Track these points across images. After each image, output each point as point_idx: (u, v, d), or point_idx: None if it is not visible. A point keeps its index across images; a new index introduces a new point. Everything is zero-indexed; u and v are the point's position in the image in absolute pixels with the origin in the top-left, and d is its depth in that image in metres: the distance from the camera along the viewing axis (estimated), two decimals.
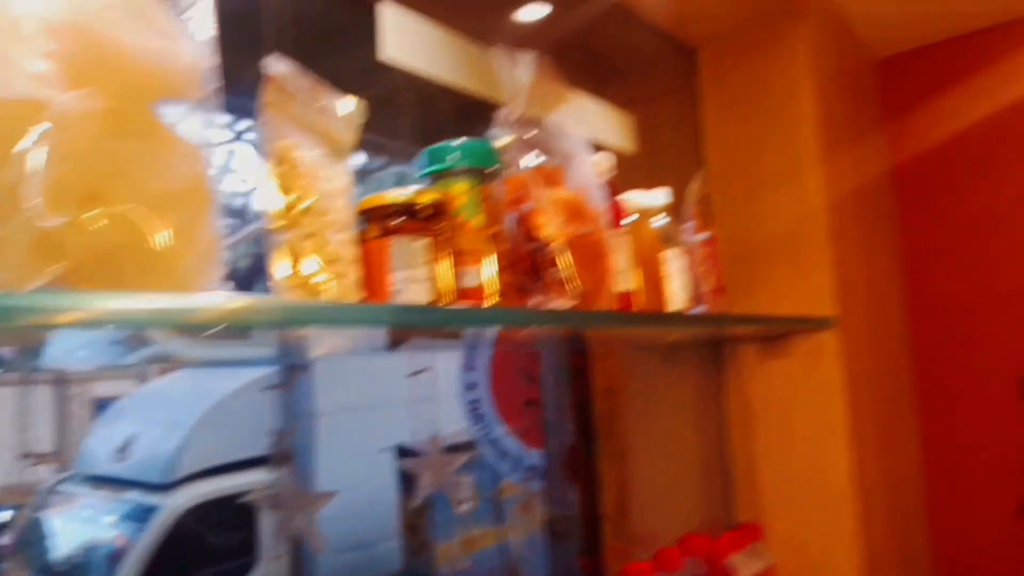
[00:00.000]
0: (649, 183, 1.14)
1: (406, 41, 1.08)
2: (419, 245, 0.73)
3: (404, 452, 2.14)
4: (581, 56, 1.44)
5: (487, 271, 0.80)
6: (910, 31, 1.63)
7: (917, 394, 1.72)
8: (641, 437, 1.51)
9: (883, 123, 1.72)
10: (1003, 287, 1.64)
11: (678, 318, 1.07)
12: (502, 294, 0.80)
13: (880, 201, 1.66)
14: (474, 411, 1.83)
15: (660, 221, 1.13)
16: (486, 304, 0.79)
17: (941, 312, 1.70)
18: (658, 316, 1.03)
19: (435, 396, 1.23)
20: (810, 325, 1.28)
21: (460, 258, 0.78)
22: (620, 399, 1.56)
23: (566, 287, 0.83)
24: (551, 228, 0.84)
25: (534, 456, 1.82)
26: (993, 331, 1.65)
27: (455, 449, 1.10)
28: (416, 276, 0.72)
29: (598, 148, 1.09)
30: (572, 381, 1.66)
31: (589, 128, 1.39)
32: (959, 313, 1.68)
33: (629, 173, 1.42)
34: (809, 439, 1.31)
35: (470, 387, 1.84)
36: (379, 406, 2.66)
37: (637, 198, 1.11)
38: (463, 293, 0.78)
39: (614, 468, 1.52)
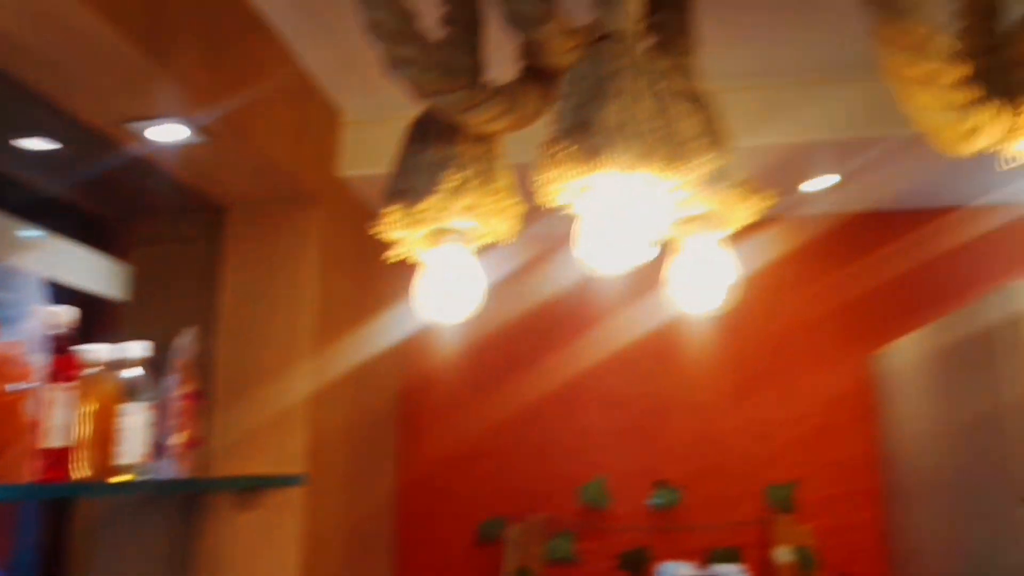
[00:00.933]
0: (157, 332, 1.16)
1: None
2: None
3: None
4: (91, 199, 1.43)
5: None
6: None
7: (397, 539, 1.94)
8: None
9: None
10: (468, 452, 1.97)
11: (100, 487, 1.06)
12: None
13: (379, 372, 1.88)
14: None
15: (129, 374, 1.15)
16: None
17: (423, 472, 1.98)
18: (71, 486, 1.01)
19: None
20: (280, 482, 1.38)
21: None
22: (95, 544, 1.47)
23: None
24: None
25: None
26: (457, 488, 1.96)
27: None
28: None
29: (76, 296, 1.09)
30: (47, 528, 1.52)
31: (66, 275, 1.37)
32: (436, 474, 1.97)
33: (133, 320, 1.42)
34: None
35: None
36: None
37: (103, 350, 1.12)
38: None
39: None
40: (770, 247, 1.94)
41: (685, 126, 0.63)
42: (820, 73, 1.45)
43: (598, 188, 0.63)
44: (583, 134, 0.61)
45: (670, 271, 0.76)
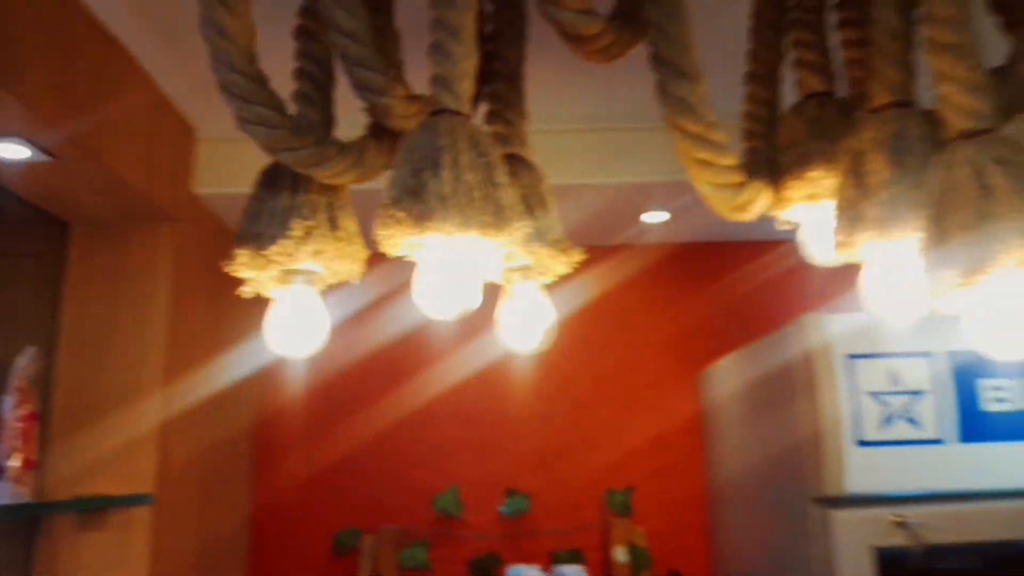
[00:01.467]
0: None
1: None
2: None
3: None
4: None
5: None
6: None
7: (253, 556, 1.95)
8: None
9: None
10: (326, 469, 2.00)
11: None
12: None
13: (237, 393, 1.88)
14: None
15: None
16: None
17: (281, 490, 1.99)
18: None
19: None
20: (127, 502, 1.37)
21: None
22: None
23: None
24: None
25: None
26: (315, 504, 1.99)
27: None
28: None
29: None
30: None
31: None
32: (294, 492, 1.99)
33: None
34: None
35: None
36: None
37: None
38: None
39: None
40: (614, 272, 2.11)
41: (506, 194, 0.72)
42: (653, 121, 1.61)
43: (429, 246, 0.71)
44: (415, 200, 0.68)
45: (499, 313, 0.85)
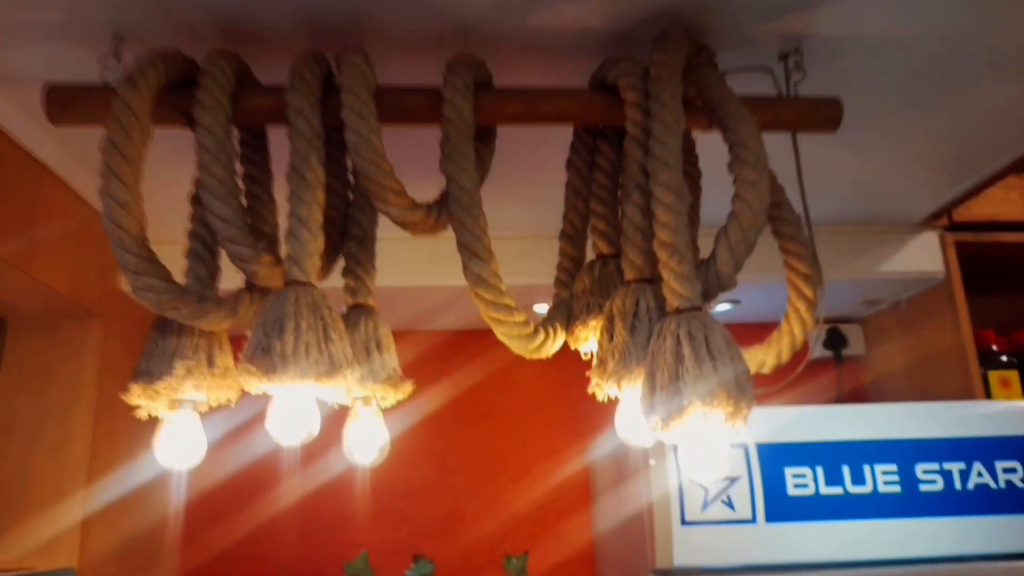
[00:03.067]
0: None
1: None
2: None
3: None
4: None
5: None
6: None
7: None
8: None
9: None
10: (245, 542, 2.17)
11: None
12: None
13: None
14: None
15: None
16: None
17: (207, 563, 2.16)
18: None
19: None
20: None
21: None
22: None
23: None
24: None
25: None
26: (234, 567, 2.15)
27: None
28: None
29: None
30: None
31: None
32: (218, 564, 2.16)
33: None
34: None
35: None
36: None
37: None
38: None
39: None
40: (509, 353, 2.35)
41: (339, 348, 0.95)
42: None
43: (278, 390, 0.93)
44: (264, 356, 0.91)
45: (344, 431, 1.07)
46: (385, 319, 1.13)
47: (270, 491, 2.24)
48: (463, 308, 2.13)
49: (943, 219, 2.08)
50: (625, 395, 1.00)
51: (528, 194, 1.73)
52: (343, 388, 0.96)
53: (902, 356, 2.29)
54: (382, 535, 2.24)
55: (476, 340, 2.40)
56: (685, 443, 0.91)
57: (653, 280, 1.02)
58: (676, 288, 0.95)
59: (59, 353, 1.69)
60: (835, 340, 2.46)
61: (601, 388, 1.00)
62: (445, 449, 2.32)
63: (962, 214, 2.11)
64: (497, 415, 2.36)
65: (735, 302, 2.27)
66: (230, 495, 2.21)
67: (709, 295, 0.97)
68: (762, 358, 1.20)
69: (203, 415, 1.06)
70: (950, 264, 2.05)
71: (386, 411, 2.33)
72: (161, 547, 2.09)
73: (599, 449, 2.16)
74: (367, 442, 1.05)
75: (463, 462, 2.31)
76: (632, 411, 1.00)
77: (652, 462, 1.56)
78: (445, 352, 2.40)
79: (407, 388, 1.08)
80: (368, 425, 1.05)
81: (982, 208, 2.12)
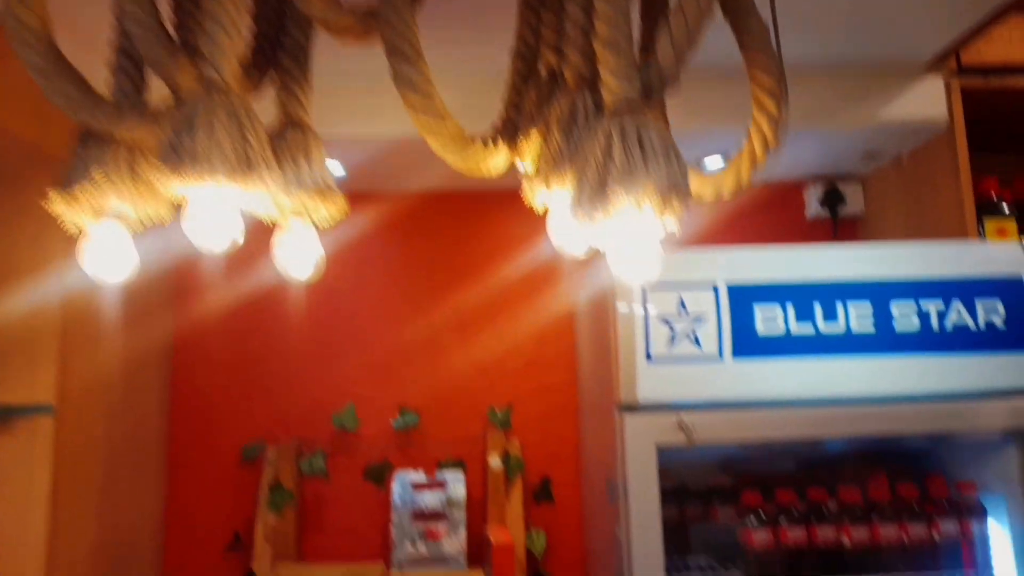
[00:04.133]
0: None
1: None
2: None
3: None
4: None
5: None
6: None
7: (169, 461, 2.19)
8: None
9: None
10: (236, 387, 2.23)
11: None
12: None
13: (145, 301, 2.09)
14: None
15: None
16: None
17: (195, 405, 2.23)
18: None
19: None
20: (26, 412, 1.58)
21: None
22: None
23: None
24: None
25: None
26: (226, 418, 2.22)
27: None
28: None
29: None
30: None
31: None
32: (207, 406, 2.22)
33: None
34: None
35: None
36: None
37: None
38: None
39: None
40: (493, 209, 2.32)
41: (255, 150, 0.91)
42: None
43: (194, 191, 0.91)
44: (171, 154, 0.88)
45: (273, 244, 1.06)
46: (323, 143, 1.08)
47: (263, 343, 2.28)
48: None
49: (951, 62, 1.95)
50: (557, 201, 0.96)
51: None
52: (265, 194, 0.93)
53: (901, 215, 2.21)
54: (370, 388, 2.28)
55: (467, 201, 2.36)
56: (615, 243, 0.87)
57: (596, 85, 0.96)
58: (611, 84, 0.88)
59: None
60: (832, 198, 2.38)
61: (532, 193, 0.96)
62: (434, 306, 2.33)
63: (971, 57, 1.97)
64: (486, 272, 2.34)
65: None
66: (224, 343, 2.26)
67: (651, 92, 0.91)
68: (721, 181, 1.15)
69: (139, 232, 1.05)
70: (954, 111, 1.94)
71: (375, 269, 2.34)
72: (150, 385, 2.15)
73: (580, 298, 2.15)
74: (300, 255, 1.03)
75: (451, 318, 2.32)
76: (564, 216, 0.96)
77: (621, 305, 1.54)
78: (435, 212, 2.37)
79: (339, 201, 1.05)
80: (300, 238, 1.03)
81: (993, 50, 1.98)
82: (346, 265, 2.34)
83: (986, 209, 1.92)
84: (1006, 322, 1.53)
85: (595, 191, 0.85)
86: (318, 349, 2.29)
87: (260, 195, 0.93)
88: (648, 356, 1.50)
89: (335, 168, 2.06)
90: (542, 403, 2.30)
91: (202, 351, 2.26)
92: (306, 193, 1.01)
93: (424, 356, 2.31)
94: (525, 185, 0.99)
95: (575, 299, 2.26)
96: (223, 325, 2.27)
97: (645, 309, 1.51)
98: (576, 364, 2.29)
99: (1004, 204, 1.93)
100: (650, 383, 1.50)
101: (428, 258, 2.36)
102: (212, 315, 2.27)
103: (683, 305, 1.52)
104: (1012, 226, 1.90)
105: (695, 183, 1.13)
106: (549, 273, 2.34)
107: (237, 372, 2.26)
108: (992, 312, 1.53)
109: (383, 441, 2.26)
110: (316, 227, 1.07)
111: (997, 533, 1.61)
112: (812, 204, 2.37)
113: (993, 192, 1.95)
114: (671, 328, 1.51)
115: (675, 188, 0.86)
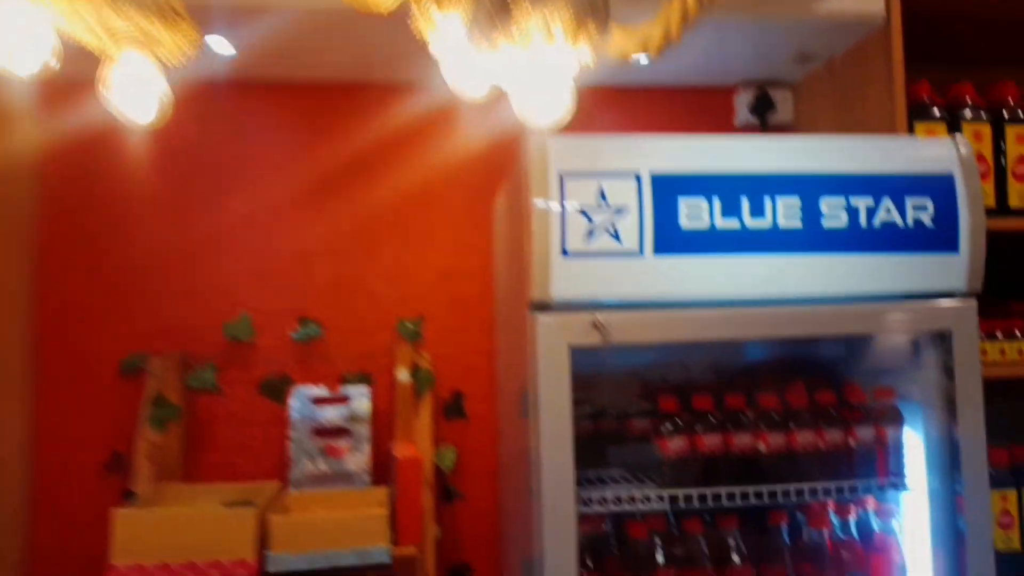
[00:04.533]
0: None
1: None
2: None
3: None
4: None
5: None
6: None
7: (39, 374, 1.97)
8: None
9: None
10: (116, 291, 2.01)
11: None
12: None
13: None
14: None
15: None
16: None
17: (67, 311, 1.99)
18: None
19: None
20: None
21: None
22: None
23: None
24: None
25: None
26: (104, 326, 2.00)
27: None
28: None
29: None
30: None
31: None
32: (81, 313, 2.00)
33: None
34: None
35: None
36: None
37: None
38: None
39: None
40: (407, 109, 2.12)
41: None
42: None
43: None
44: None
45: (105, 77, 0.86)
46: None
47: (145, 245, 2.05)
48: (356, 42, 1.86)
49: None
50: (451, 26, 0.80)
51: None
52: (88, 11, 0.73)
53: (831, 122, 2.12)
54: (266, 298, 2.10)
55: (374, 93, 2.15)
56: (519, 77, 0.72)
57: None
58: None
59: None
60: (762, 104, 2.27)
61: (424, 17, 0.79)
62: (338, 211, 2.14)
63: None
64: (396, 176, 2.16)
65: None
66: (99, 243, 2.02)
67: None
68: (648, 34, 1.01)
69: None
70: (891, 6, 1.84)
71: (274, 167, 2.12)
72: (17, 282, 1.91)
73: (499, 203, 2.01)
74: (141, 94, 0.84)
75: (357, 225, 2.14)
76: (459, 48, 0.80)
77: (535, 194, 1.40)
78: (338, 106, 2.15)
79: (187, 29, 0.86)
80: (140, 73, 0.84)
81: None
82: (242, 161, 2.12)
83: (918, 113, 1.85)
84: (934, 220, 1.46)
85: (496, 5, 0.69)
86: (208, 252, 2.08)
87: (82, 12, 0.74)
88: (564, 251, 1.37)
89: (222, 46, 1.82)
90: (456, 316, 2.16)
91: (74, 252, 2.02)
92: (143, 15, 0.81)
93: (327, 263, 2.13)
94: (415, 9, 0.82)
95: (494, 208, 2.11)
96: (98, 223, 2.03)
97: (562, 198, 1.37)
98: (493, 276, 2.15)
99: (936, 108, 1.86)
100: (565, 280, 1.38)
101: (332, 156, 2.16)
102: (85, 212, 2.02)
103: (603, 196, 1.38)
104: (942, 129, 1.84)
105: (619, 36, 0.99)
106: (467, 178, 2.17)
107: (115, 276, 2.03)
108: (921, 210, 1.46)
109: (281, 354, 2.08)
110: (161, 63, 0.88)
111: (912, 441, 1.58)
112: (742, 111, 2.26)
113: (925, 95, 1.88)
114: (589, 220, 1.38)
115: (593, 11, 0.71)
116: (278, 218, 2.12)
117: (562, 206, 1.37)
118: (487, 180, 2.14)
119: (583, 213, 1.38)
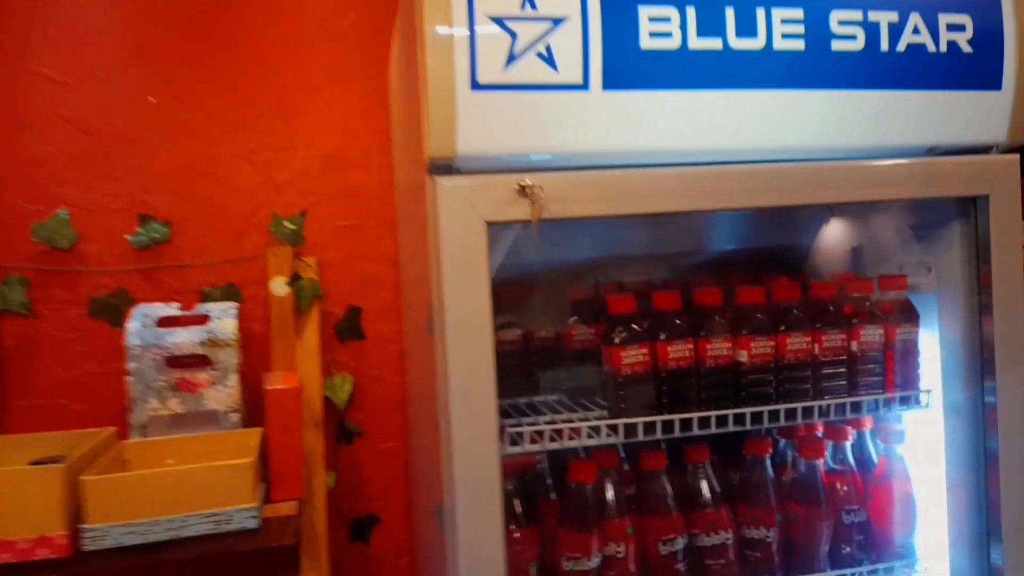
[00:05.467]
0: None
1: None
2: None
3: None
4: None
5: None
6: None
7: None
8: None
9: None
10: None
11: None
12: None
13: None
14: None
15: None
16: None
17: None
18: None
19: None
20: None
21: None
22: None
23: None
24: None
25: None
26: None
27: None
28: None
29: None
30: None
31: None
32: None
33: None
34: None
35: None
36: None
37: None
38: None
39: None
40: None
41: None
42: None
43: None
44: None
45: None
46: None
47: None
48: None
49: None
50: None
51: None
52: None
53: None
54: (92, 190, 1.59)
55: None
56: None
57: None
58: None
59: None
60: None
61: None
62: (184, 74, 1.62)
63: None
64: (262, 26, 1.66)
65: None
66: None
67: None
68: None
69: None
70: None
71: (99, 21, 1.58)
72: None
73: (394, 61, 1.54)
74: None
75: (212, 94, 1.64)
76: None
77: (432, 9, 0.94)
78: None
79: None
80: None
81: None
82: (51, 8, 1.57)
83: None
84: (972, 44, 1.08)
85: None
86: (8, 130, 1.55)
87: None
88: (474, 83, 0.94)
89: None
90: (348, 212, 1.71)
91: None
92: None
93: (175, 145, 1.63)
94: None
95: (390, 71, 1.63)
96: None
97: (470, 4, 0.93)
98: (393, 162, 1.70)
99: None
100: (477, 126, 0.95)
101: (173, 7, 1.63)
102: None
103: (530, 0, 0.94)
104: None
105: None
106: (354, 34, 1.69)
107: None
108: (957, 30, 1.08)
109: (116, 263, 1.60)
110: None
111: (926, 345, 1.24)
112: None
113: None
114: (511, 36, 0.94)
115: None
116: (108, 84, 1.59)
117: (470, 14, 0.93)
118: (381, 36, 1.66)
119: (500, 23, 0.93)
